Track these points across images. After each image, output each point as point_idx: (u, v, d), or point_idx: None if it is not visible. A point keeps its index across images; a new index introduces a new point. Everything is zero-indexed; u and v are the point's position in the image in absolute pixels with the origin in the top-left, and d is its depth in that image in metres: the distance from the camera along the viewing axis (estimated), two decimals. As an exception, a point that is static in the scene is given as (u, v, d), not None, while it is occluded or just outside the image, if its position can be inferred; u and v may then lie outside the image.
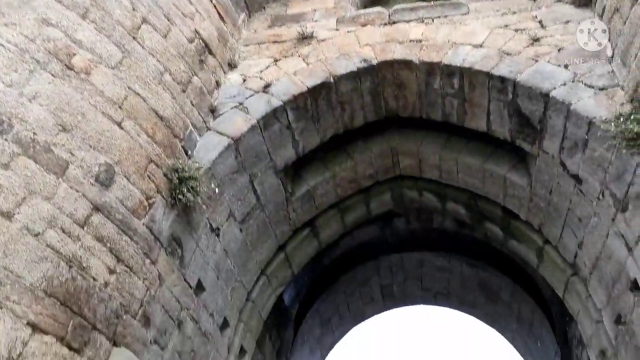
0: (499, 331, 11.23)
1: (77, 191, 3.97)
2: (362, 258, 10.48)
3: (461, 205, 7.16)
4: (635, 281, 4.54)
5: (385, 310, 12.41)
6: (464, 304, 11.56)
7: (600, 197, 4.81)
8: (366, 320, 12.54)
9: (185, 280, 5.07)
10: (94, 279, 3.90)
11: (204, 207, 5.18)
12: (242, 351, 6.29)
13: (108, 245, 4.10)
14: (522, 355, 10.81)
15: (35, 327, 3.39)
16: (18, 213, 3.52)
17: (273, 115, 5.78)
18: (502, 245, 8.33)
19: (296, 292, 9.01)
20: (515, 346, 10.92)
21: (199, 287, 5.35)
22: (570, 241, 5.53)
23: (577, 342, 6.50)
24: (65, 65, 4.22)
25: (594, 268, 5.22)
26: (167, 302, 4.74)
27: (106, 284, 4.02)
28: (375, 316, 12.51)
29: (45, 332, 3.45)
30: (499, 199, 6.38)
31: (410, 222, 9.42)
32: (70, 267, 3.73)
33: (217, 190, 5.34)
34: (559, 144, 5.14)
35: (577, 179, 5.06)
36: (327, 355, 12.31)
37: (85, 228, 3.95)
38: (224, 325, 5.92)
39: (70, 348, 3.59)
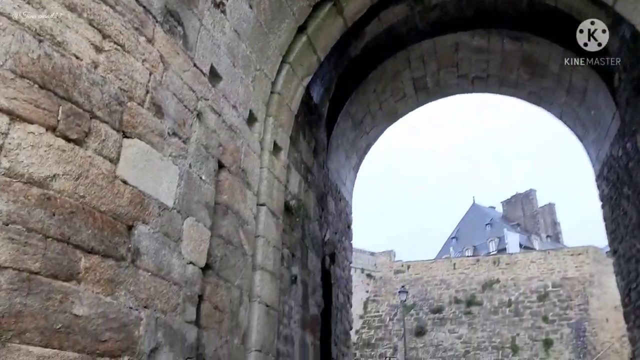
0: (545, 108, 10.47)
1: (22, -56, 2.95)
2: (391, 49, 9.46)
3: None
4: None
5: (419, 105, 11.68)
6: (504, 86, 10.68)
7: None
8: (400, 119, 11.99)
9: (195, 65, 4.24)
10: (77, 58, 3.09)
11: (199, -32, 4.11)
12: (277, 147, 5.71)
13: (85, 16, 3.19)
14: (571, 129, 10.17)
15: (12, 115, 2.68)
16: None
17: None
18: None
19: (325, 88, 8.21)
20: (564, 121, 10.23)
21: (214, 75, 4.54)
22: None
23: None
24: None
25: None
26: (178, 89, 3.98)
27: (95, 65, 3.21)
28: (409, 113, 11.91)
29: (29, 121, 2.75)
30: None
31: (443, -6, 8.16)
32: (40, 41, 2.89)
33: (211, -54, 4.21)
34: None
35: None
36: (363, 158, 11.99)
37: (47, -7, 3.02)
38: (251, 119, 5.24)
39: (67, 139, 2.93)
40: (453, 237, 60.51)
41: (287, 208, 6.05)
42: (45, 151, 2.78)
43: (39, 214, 2.66)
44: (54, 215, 2.74)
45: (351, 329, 10.21)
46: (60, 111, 2.91)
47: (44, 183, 2.74)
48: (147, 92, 3.61)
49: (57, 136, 2.88)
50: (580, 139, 10.08)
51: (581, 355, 24.65)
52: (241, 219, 4.84)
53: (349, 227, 11.04)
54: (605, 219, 9.48)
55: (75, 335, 2.73)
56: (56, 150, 2.84)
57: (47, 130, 2.82)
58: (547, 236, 55.29)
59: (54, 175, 2.80)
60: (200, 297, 4.05)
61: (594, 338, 25.36)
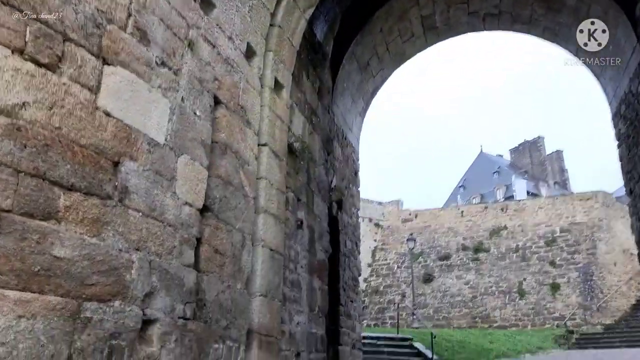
0: (561, 45, 9.91)
1: None
2: (398, -16, 8.93)
3: None
4: None
5: (428, 46, 11.16)
6: (518, 22, 10.09)
7: None
8: (408, 61, 11.49)
9: (184, -11, 3.85)
10: (45, -29, 2.72)
11: None
12: (278, 85, 5.34)
13: None
14: (588, 66, 9.66)
15: (-30, 34, 2.35)
16: None
17: None
18: None
19: (329, 26, 7.74)
20: (580, 58, 9.70)
21: (206, 1, 4.14)
22: None
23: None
24: None
25: None
26: (165, 15, 3.60)
27: (66, -20, 2.84)
28: (417, 55, 11.42)
29: (-9, 42, 2.42)
30: None
31: None
32: (-1, -50, 2.52)
33: None
34: None
35: None
36: (370, 102, 11.58)
37: None
38: (250, 52, 4.86)
39: (37, 63, 2.60)
40: (460, 186, 60.30)
41: (291, 150, 5.75)
42: (12, 76, 2.46)
43: (7, 146, 2.37)
44: (25, 147, 2.45)
45: (360, 275, 10.10)
46: (27, 31, 2.57)
47: (12, 112, 2.44)
48: (130, 15, 3.25)
49: (26, 59, 2.55)
50: (597, 76, 9.59)
51: (588, 299, 24.80)
52: (241, 159, 4.55)
53: (356, 174, 10.77)
54: (621, 159, 9.12)
55: (57, 278, 2.49)
56: (25, 75, 2.52)
57: (13, 52, 2.49)
58: (555, 183, 54.93)
59: (24, 104, 2.49)
60: (199, 240, 3.81)
61: (601, 282, 25.44)
